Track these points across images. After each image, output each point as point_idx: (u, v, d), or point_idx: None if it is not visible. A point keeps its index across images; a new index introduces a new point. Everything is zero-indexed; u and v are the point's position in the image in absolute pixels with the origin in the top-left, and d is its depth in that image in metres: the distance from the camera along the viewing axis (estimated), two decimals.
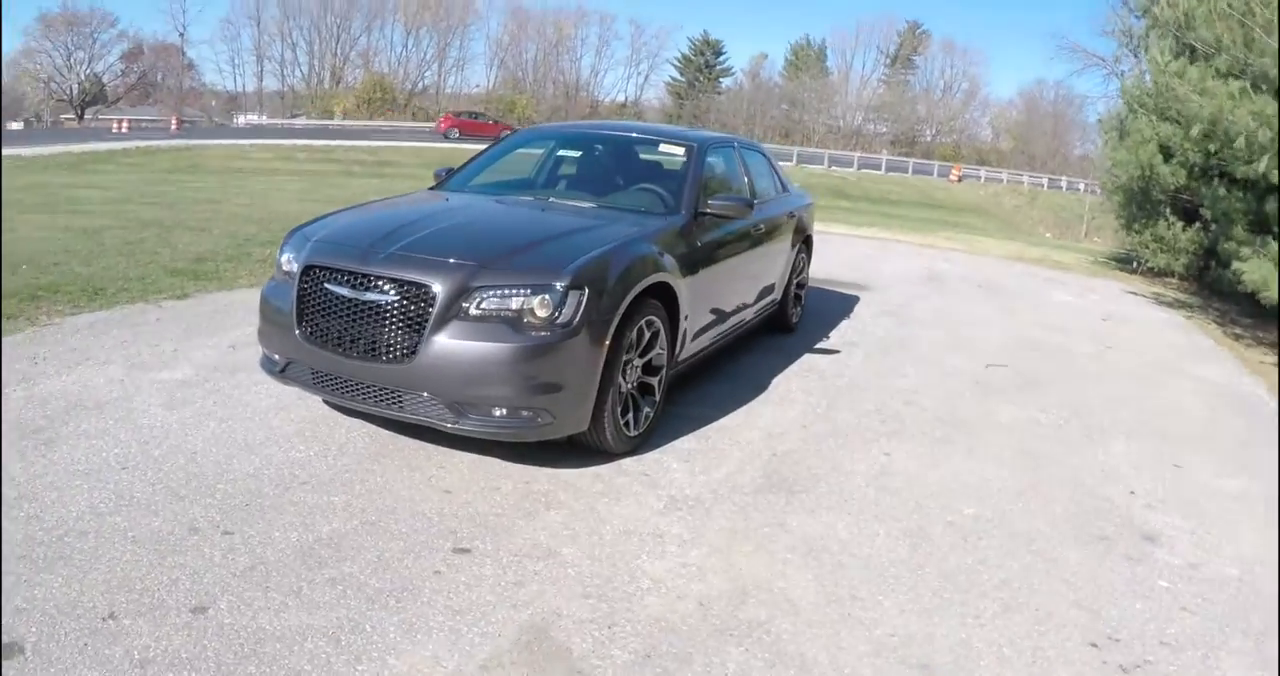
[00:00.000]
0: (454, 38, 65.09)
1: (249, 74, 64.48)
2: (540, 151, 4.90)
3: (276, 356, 3.47)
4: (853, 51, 75.86)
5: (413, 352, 3.07)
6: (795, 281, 6.04)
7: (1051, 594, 2.81)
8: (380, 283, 3.15)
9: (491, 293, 3.09)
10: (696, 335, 4.12)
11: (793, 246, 5.72)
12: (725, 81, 72.02)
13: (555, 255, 3.26)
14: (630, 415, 3.52)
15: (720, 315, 4.46)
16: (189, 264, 6.40)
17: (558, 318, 3.10)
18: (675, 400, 4.26)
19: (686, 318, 3.86)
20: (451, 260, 3.17)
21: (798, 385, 4.81)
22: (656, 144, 4.59)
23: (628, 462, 3.50)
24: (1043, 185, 43.09)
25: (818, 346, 5.78)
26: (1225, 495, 3.84)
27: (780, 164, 6.39)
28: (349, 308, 3.19)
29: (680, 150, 4.47)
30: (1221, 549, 3.28)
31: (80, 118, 55.55)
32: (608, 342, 3.23)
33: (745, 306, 4.91)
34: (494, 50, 67.69)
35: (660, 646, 2.35)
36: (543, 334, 3.08)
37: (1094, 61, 20.85)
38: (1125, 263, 12.76)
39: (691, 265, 3.93)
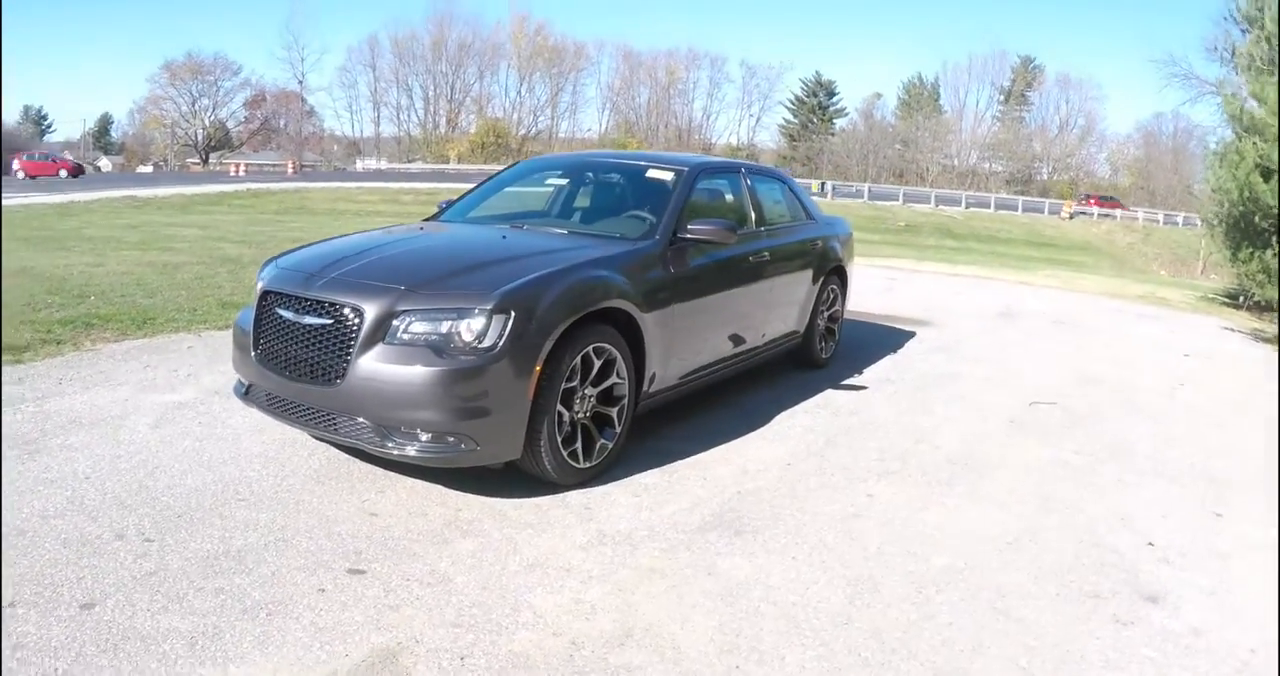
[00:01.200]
0: (566, 83, 66.70)
1: (366, 120, 67.34)
2: (541, 180, 4.81)
3: (242, 380, 3.50)
4: (966, 88, 73.47)
5: (342, 375, 3.03)
6: (825, 314, 5.66)
7: (999, 659, 2.36)
8: (316, 306, 3.14)
9: (417, 316, 3.00)
10: (676, 366, 3.87)
11: (817, 277, 5.37)
12: (839, 122, 71.05)
13: (487, 280, 3.13)
14: (578, 445, 3.31)
15: (711, 346, 4.19)
16: (244, 297, 6.70)
17: (482, 342, 2.97)
18: (659, 433, 4.02)
19: (652, 347, 3.62)
20: (382, 284, 3.11)
21: (803, 421, 4.45)
22: (648, 170, 4.41)
23: (574, 495, 3.29)
24: (1158, 221, 39.79)
25: (846, 382, 5.38)
26: (1266, 548, 3.20)
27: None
28: (291, 331, 3.19)
29: (669, 175, 4.28)
30: (1241, 614, 2.71)
31: (205, 161, 58.38)
32: (538, 369, 3.05)
33: (750, 338, 4.60)
34: (606, 94, 69.29)
35: None
36: (467, 358, 2.95)
37: (1207, 89, 19.20)
38: (1233, 298, 11.43)
39: (666, 292, 3.71)
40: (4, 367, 4.53)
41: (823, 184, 40.70)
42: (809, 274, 5.27)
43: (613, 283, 3.41)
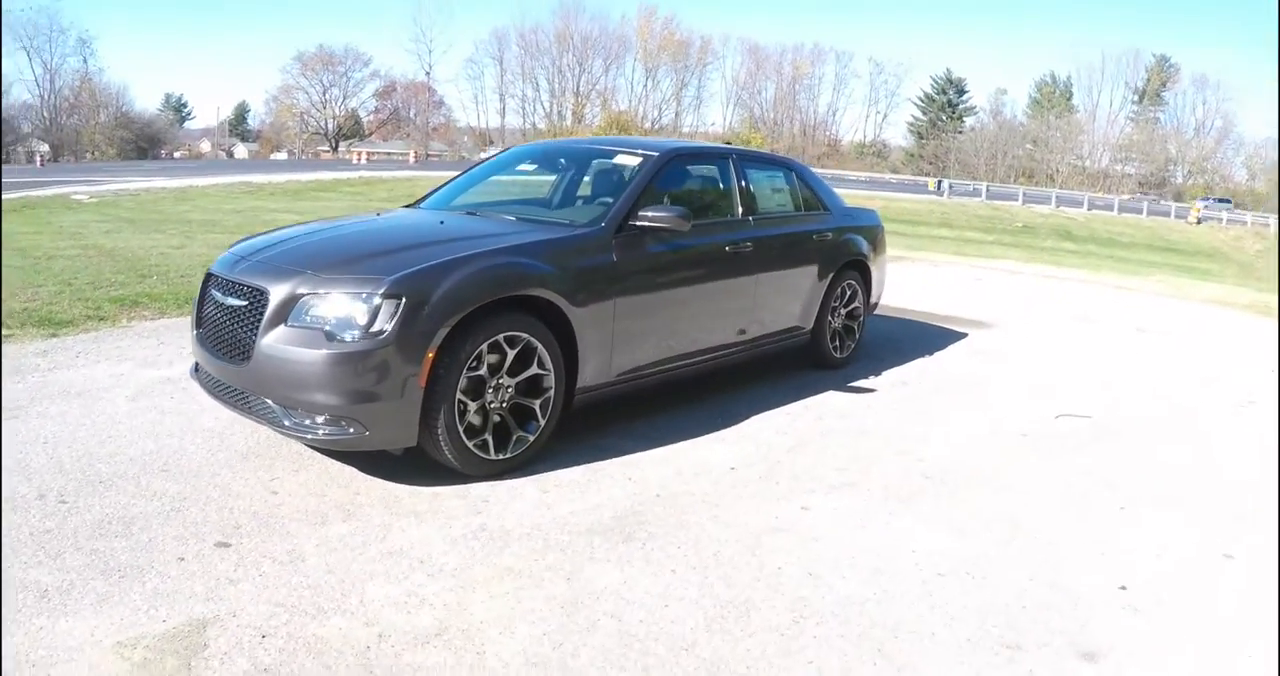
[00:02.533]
0: (691, 77, 65.59)
1: (492, 111, 68.17)
2: (517, 167, 4.59)
3: (194, 359, 3.50)
4: (1099, 88, 67.51)
5: (248, 355, 2.96)
6: (842, 311, 5.18)
7: None
8: (236, 287, 3.10)
9: (317, 300, 2.89)
10: (622, 360, 3.57)
11: (827, 272, 4.90)
12: (968, 120, 67.17)
13: (390, 265, 2.96)
14: (488, 436, 3.09)
15: (671, 341, 3.85)
16: None
17: (373, 327, 2.81)
18: (609, 428, 3.76)
19: (587, 339, 3.34)
20: (292, 268, 3.03)
21: (778, 423, 4.04)
22: (616, 156, 4.10)
23: (481, 487, 3.07)
24: None
25: (855, 383, 4.89)
26: (1270, 600, 2.57)
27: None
28: (219, 312, 3.18)
29: (635, 161, 3.96)
30: None
31: (334, 149, 59.67)
32: (430, 355, 2.85)
33: (728, 333, 4.23)
34: (731, 89, 67.84)
35: (292, 667, 2.00)
36: (357, 342, 2.81)
37: None
38: None
39: (609, 281, 3.43)
40: (37, 340, 4.77)
41: (939, 182, 38.54)
42: (814, 268, 4.81)
43: (530, 270, 3.15)
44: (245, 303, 3.02)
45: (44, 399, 3.79)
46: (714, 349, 4.18)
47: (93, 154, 52.33)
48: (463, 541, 2.66)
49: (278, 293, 2.92)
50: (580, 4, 68.65)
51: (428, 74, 62.56)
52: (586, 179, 4.18)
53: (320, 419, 2.85)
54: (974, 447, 3.90)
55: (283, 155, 58.20)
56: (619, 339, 3.51)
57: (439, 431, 2.94)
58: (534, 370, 3.19)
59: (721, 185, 4.37)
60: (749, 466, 3.45)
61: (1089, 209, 34.27)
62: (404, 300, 2.82)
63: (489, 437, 3.10)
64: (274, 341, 2.88)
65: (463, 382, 2.97)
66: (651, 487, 3.17)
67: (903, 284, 9.34)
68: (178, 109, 71.24)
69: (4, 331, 4.90)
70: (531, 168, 4.47)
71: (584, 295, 3.31)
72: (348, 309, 2.84)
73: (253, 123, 72.30)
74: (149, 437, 3.39)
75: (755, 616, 2.32)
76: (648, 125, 62.64)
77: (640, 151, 4.02)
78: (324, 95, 62.81)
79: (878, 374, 5.20)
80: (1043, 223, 26.31)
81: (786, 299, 4.64)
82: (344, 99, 63.50)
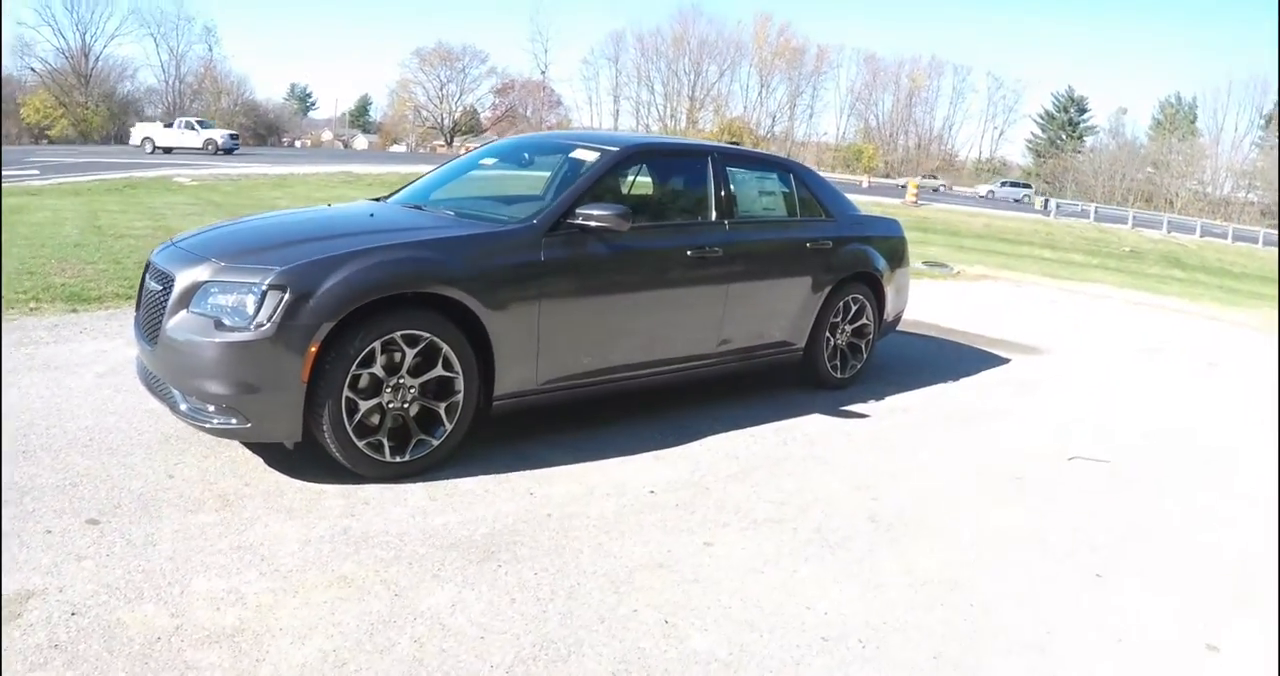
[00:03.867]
0: (806, 85, 63.86)
1: (606, 112, 67.35)
2: (482, 161, 4.34)
3: None
4: (1225, 111, 61.61)
5: (155, 339, 2.91)
6: (847, 328, 4.72)
7: None
8: (156, 273, 3.06)
9: (215, 288, 2.79)
10: (551, 368, 3.30)
11: (824, 283, 4.44)
12: (1088, 140, 63.09)
13: (287, 255, 2.83)
14: (383, 437, 2.89)
15: (613, 349, 3.55)
16: None
17: (256, 318, 2.67)
18: (542, 437, 3.51)
19: (504, 342, 3.10)
20: (202, 256, 2.94)
21: (735, 446, 3.67)
22: (574, 150, 3.81)
23: (370, 489, 2.89)
24: None
25: (848, 407, 4.43)
26: None
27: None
28: (146, 296, 3.15)
29: (592, 156, 3.67)
30: None
31: (449, 143, 60.43)
32: (313, 349, 2.68)
33: (690, 346, 3.88)
34: (846, 99, 66.12)
35: (79, 648, 1.95)
36: (240, 333, 2.69)
37: None
38: None
39: (535, 282, 3.17)
40: (55, 314, 4.94)
41: (1045, 201, 36.21)
42: (807, 278, 4.38)
43: (429, 266, 2.93)
44: (160, 288, 2.97)
45: (22, 371, 3.88)
46: (675, 361, 3.84)
47: None
48: (317, 543, 2.49)
49: (183, 279, 2.85)
50: (698, 8, 68.16)
51: (543, 73, 63.35)
52: (547, 175, 3.92)
53: (212, 408, 2.74)
54: (947, 490, 3.41)
55: (401, 148, 59.99)
56: (546, 345, 3.24)
57: (325, 428, 2.78)
58: (439, 372, 2.97)
59: (693, 185, 4.02)
60: (673, 491, 3.11)
61: (1202, 235, 31.33)
62: (288, 292, 2.67)
63: (384, 439, 2.90)
64: (175, 327, 2.80)
65: (352, 380, 2.79)
66: (549, 506, 2.89)
67: (968, 303, 8.67)
68: (302, 99, 75.06)
69: (32, 304, 5.09)
70: (492, 162, 4.23)
71: (501, 295, 3.06)
72: (238, 298, 2.73)
73: (374, 115, 75.43)
74: (92, 414, 3.39)
75: (573, 663, 2.01)
76: (761, 132, 61.25)
77: (599, 147, 3.72)
78: (441, 90, 64.34)
79: (880, 398, 4.71)
80: (1152, 248, 24.20)
81: (770, 311, 4.24)
82: (460, 95, 65.03)
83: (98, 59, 55.14)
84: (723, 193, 4.02)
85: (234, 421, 2.71)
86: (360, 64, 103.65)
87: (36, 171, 17.50)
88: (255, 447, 3.13)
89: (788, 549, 2.73)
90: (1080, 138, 62.97)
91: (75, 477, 2.79)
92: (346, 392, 2.78)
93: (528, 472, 3.14)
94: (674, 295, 3.73)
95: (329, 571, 2.34)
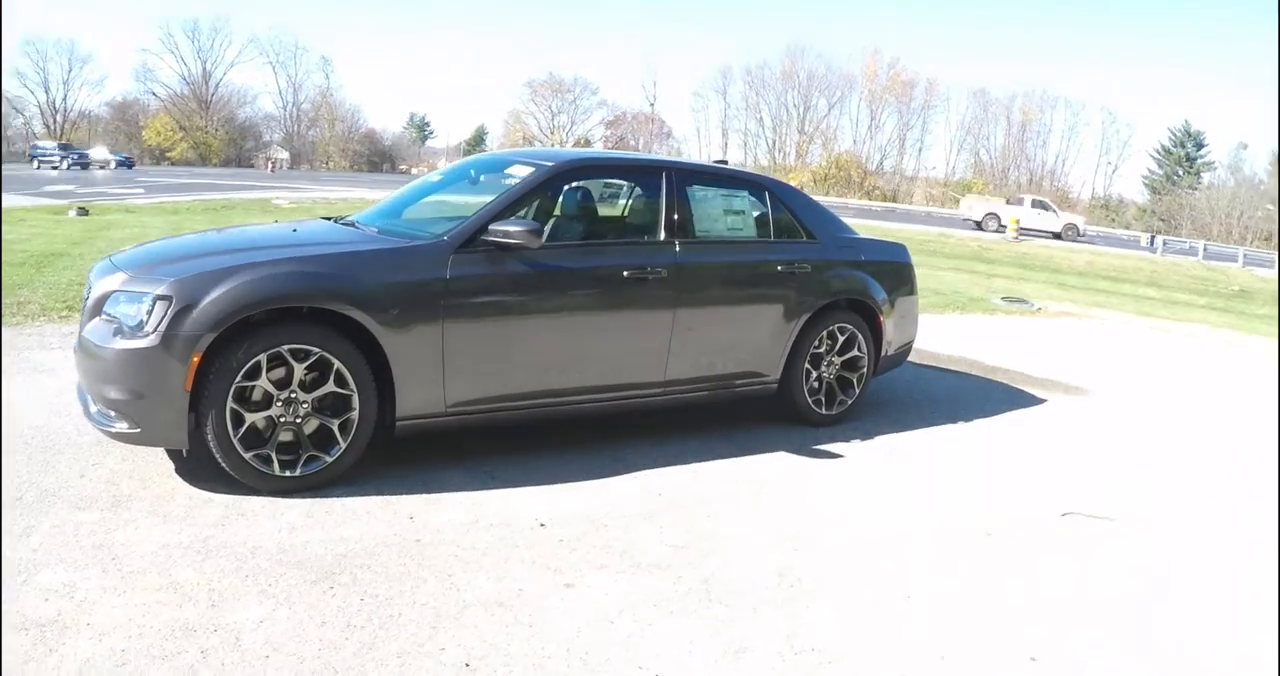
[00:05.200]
0: (915, 119, 62.85)
1: (715, 145, 67.94)
2: (456, 180, 4.36)
3: None
4: None
5: (77, 344, 3.12)
6: (836, 360, 4.45)
7: None
8: (87, 284, 3.32)
9: (121, 297, 2.98)
10: (460, 390, 3.28)
11: (802, 310, 4.23)
12: (1206, 176, 58.58)
13: (182, 268, 2.99)
14: (271, 450, 2.98)
15: (547, 374, 3.52)
16: None
17: (144, 327, 2.83)
18: (465, 464, 3.49)
19: (402, 361, 3.12)
20: (118, 267, 3.15)
21: (666, 482, 3.52)
22: (510, 166, 3.79)
23: (258, 502, 2.98)
24: None
25: (824, 446, 4.16)
26: None
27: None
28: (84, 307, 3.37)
29: (526, 171, 3.64)
30: None
31: None
32: (195, 360, 2.80)
33: (641, 372, 3.77)
34: (956, 133, 64.71)
35: None
36: (129, 340, 2.87)
37: None
38: None
39: (438, 300, 3.18)
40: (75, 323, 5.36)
41: (1151, 237, 33.69)
42: (778, 304, 4.18)
43: (321, 281, 3.01)
44: (87, 296, 3.17)
45: (14, 375, 4.21)
46: (615, 389, 3.74)
47: (326, 164, 60.02)
48: (172, 548, 2.60)
49: (99, 288, 3.08)
50: (807, 43, 68.48)
51: (651, 105, 64.91)
52: (477, 193, 3.90)
53: (112, 413, 2.91)
54: (889, 546, 3.10)
55: None
56: (454, 366, 3.22)
57: (209, 438, 2.87)
58: (331, 388, 3.00)
59: (640, 202, 3.92)
60: (565, 525, 3.00)
61: None
62: (173, 302, 2.82)
63: (273, 453, 2.95)
64: (87, 333, 3.02)
65: (241, 391, 2.85)
66: (424, 532, 2.86)
67: (1033, 340, 8.10)
68: (420, 128, 79.56)
69: (64, 311, 5.53)
70: (444, 180, 4.26)
71: (399, 313, 3.08)
72: (135, 308, 2.91)
73: (490, 144, 79.26)
74: (48, 415, 3.67)
75: None
76: (871, 166, 61.60)
77: (534, 163, 3.70)
78: (552, 121, 67.27)
79: (868, 437, 4.40)
80: (1262, 288, 21.76)
81: (731, 338, 4.06)
82: (571, 126, 67.45)
83: (217, 85, 61.02)
84: (676, 211, 3.90)
85: (125, 426, 2.88)
86: (479, 95, 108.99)
87: (142, 190, 19.25)
88: (174, 454, 3.27)
89: (658, 599, 2.57)
90: (1197, 174, 58.61)
91: None
92: (231, 404, 2.86)
93: (424, 496, 3.13)
94: (609, 318, 3.64)
95: (166, 576, 2.44)
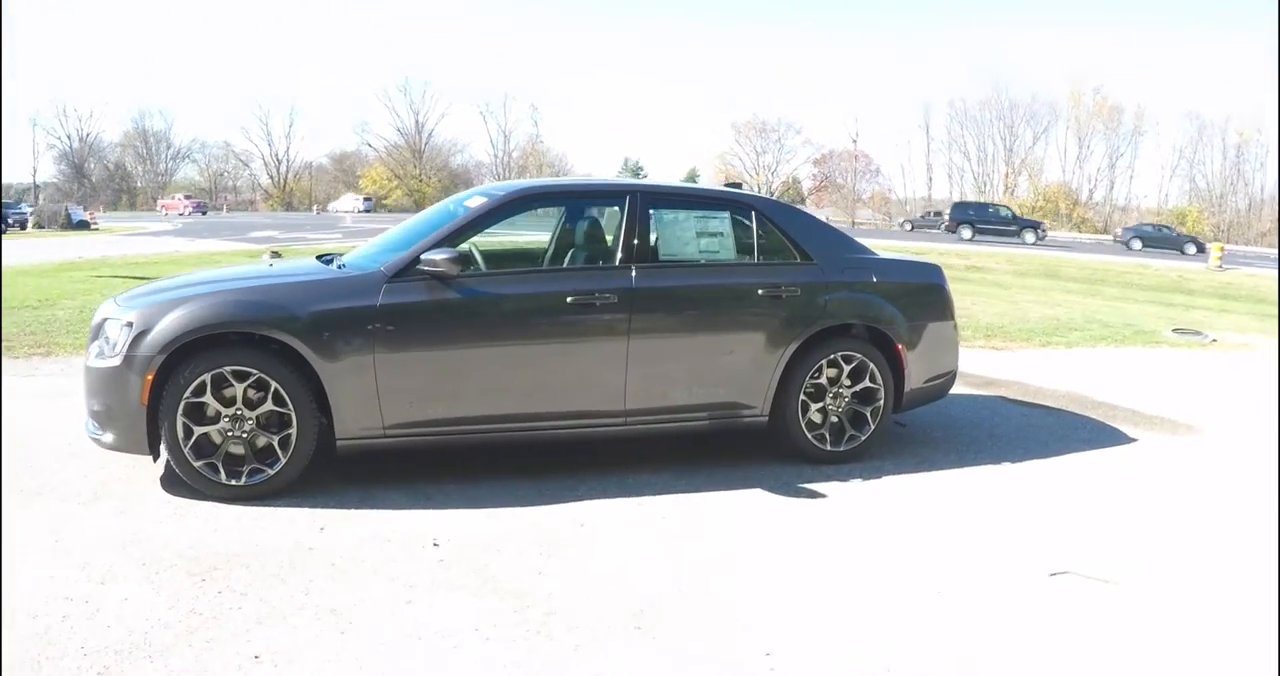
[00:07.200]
0: (1125, 146, 59.53)
1: (920, 180, 68.19)
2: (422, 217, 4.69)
3: None
4: None
5: None
6: (844, 393, 4.24)
7: None
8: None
9: (110, 324, 3.60)
10: (398, 412, 3.59)
11: (789, 338, 4.10)
12: None
13: (149, 300, 3.60)
14: (217, 460, 3.47)
15: (490, 399, 3.74)
16: None
17: (117, 349, 3.43)
18: (414, 486, 3.76)
19: (337, 384, 3.49)
20: (120, 300, 3.77)
21: (594, 516, 3.55)
22: (469, 199, 4.09)
23: (206, 507, 3.45)
24: None
25: (810, 486, 3.97)
26: None
27: None
28: None
29: (477, 202, 3.90)
30: None
31: None
32: (149, 377, 3.36)
33: (596, 399, 3.88)
34: (1169, 158, 59.22)
35: None
36: (105, 360, 3.50)
37: None
38: None
39: (368, 326, 3.53)
40: None
41: None
42: (760, 330, 4.08)
43: (256, 310, 3.48)
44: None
45: (34, 395, 5.02)
46: (568, 417, 3.87)
47: None
48: (105, 538, 3.11)
49: (98, 315, 3.76)
50: (1008, 73, 65.94)
51: (854, 141, 64.54)
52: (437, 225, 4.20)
53: (94, 423, 3.55)
54: (799, 602, 2.88)
55: None
56: (388, 389, 3.55)
57: (163, 447, 3.36)
58: (270, 407, 3.42)
59: (595, 228, 4.04)
60: (457, 548, 3.19)
61: None
62: (133, 328, 3.39)
63: (219, 463, 3.42)
64: (89, 354, 3.68)
65: (192, 407, 3.36)
66: (320, 542, 3.19)
67: (1176, 374, 7.13)
68: (635, 172, 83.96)
69: None
70: (432, 215, 4.57)
71: (330, 339, 3.48)
72: (115, 332, 3.55)
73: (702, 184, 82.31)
74: (51, 432, 4.25)
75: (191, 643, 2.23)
76: (1081, 197, 58.97)
77: (488, 193, 3.99)
78: (757, 161, 69.22)
79: (874, 478, 4.13)
80: None
81: (702, 365, 4.04)
82: (777, 165, 68.82)
83: (430, 135, 68.58)
84: (635, 235, 4.01)
85: (102, 435, 3.44)
86: (687, 139, 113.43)
87: (339, 235, 21.72)
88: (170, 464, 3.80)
89: (488, 624, 2.65)
90: None
91: (12, 466, 3.75)
92: (181, 417, 3.37)
93: (350, 511, 3.47)
94: (553, 345, 3.77)
95: (84, 557, 2.95)
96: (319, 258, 4.22)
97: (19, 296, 8.87)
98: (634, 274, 3.94)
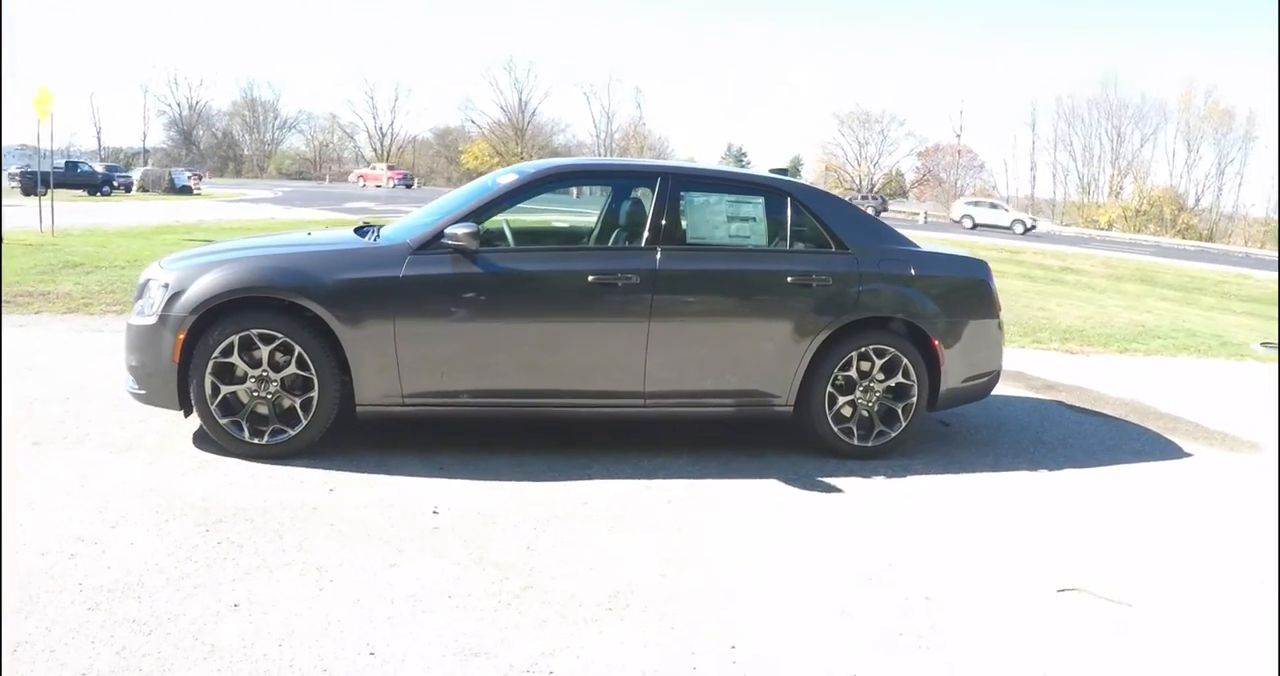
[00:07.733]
0: (1235, 151, 56.33)
1: (1023, 178, 65.97)
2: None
3: None
4: None
5: None
6: (875, 387, 4.11)
7: None
8: None
9: (152, 284, 3.79)
10: (416, 381, 3.68)
11: (816, 327, 3.99)
12: None
13: (187, 263, 3.77)
14: (242, 418, 3.63)
15: (508, 373, 3.80)
16: None
17: (154, 308, 3.61)
18: (436, 453, 3.86)
19: (360, 351, 3.60)
20: (163, 262, 3.96)
21: (597, 496, 3.57)
22: (508, 174, 4.13)
23: (231, 463, 3.62)
24: None
25: (828, 479, 3.89)
26: None
27: None
28: None
29: (509, 178, 3.91)
30: None
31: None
32: (180, 337, 3.54)
33: (615, 380, 3.89)
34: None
35: None
36: (145, 318, 3.69)
37: None
38: None
39: (392, 296, 3.64)
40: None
41: None
42: (788, 319, 4.00)
43: (282, 275, 3.61)
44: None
45: (97, 351, 5.28)
46: (589, 395, 3.92)
47: None
48: (126, 486, 3.31)
49: (144, 276, 3.97)
50: (1118, 73, 62.75)
51: (958, 136, 62.56)
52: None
53: (131, 377, 3.77)
54: (768, 600, 2.83)
55: None
56: (408, 358, 3.65)
57: (194, 404, 3.58)
58: (294, 370, 3.56)
59: (624, 208, 4.01)
60: (456, 517, 3.28)
61: None
62: (169, 289, 3.55)
63: (243, 421, 3.58)
64: (131, 312, 3.89)
65: (221, 367, 3.52)
66: (325, 503, 3.32)
67: (1250, 388, 6.66)
68: (738, 158, 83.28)
69: None
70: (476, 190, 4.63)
71: (353, 307, 3.59)
72: (154, 293, 3.75)
73: (806, 174, 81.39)
74: (53, 396, 4.34)
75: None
76: (1188, 203, 56.26)
77: (518, 170, 4.03)
78: (859, 152, 68.24)
79: (898, 476, 4.00)
80: None
81: (724, 351, 4.00)
82: (880, 157, 67.57)
83: (533, 114, 69.22)
84: (663, 216, 3.96)
85: (138, 389, 3.66)
86: (793, 126, 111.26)
87: (410, 209, 22.27)
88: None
89: (462, 592, 2.70)
90: None
91: (59, 417, 4.00)
92: (210, 376, 3.53)
93: (363, 475, 3.60)
94: (573, 323, 3.81)
95: (101, 502, 3.16)
96: (357, 230, 4.36)
97: (110, 256, 9.52)
98: (659, 256, 3.92)
